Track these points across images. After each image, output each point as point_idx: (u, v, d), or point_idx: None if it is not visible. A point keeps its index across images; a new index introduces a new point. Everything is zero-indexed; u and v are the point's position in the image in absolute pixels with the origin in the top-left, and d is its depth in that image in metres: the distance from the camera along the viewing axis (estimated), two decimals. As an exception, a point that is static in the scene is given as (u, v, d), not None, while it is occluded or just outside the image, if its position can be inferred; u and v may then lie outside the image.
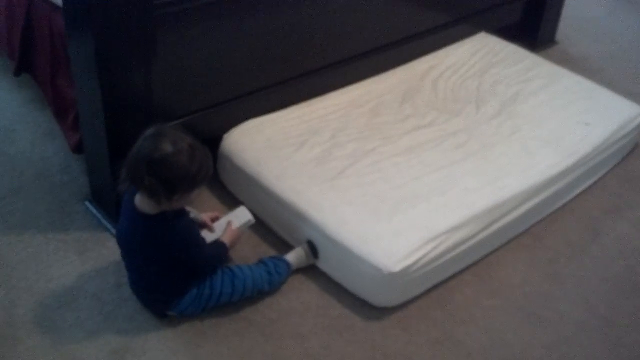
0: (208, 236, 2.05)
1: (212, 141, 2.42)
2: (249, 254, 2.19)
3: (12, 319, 1.96)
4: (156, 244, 1.85)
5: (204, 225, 2.09)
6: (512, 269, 2.26)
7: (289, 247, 2.19)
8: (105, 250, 2.19)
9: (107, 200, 2.27)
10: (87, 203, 2.35)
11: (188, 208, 1.97)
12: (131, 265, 1.98)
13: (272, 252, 2.20)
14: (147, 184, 1.75)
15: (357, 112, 2.60)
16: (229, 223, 2.10)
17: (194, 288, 1.95)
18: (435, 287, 2.16)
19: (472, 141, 2.49)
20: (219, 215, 2.15)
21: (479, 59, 3.01)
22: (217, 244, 2.03)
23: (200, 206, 2.34)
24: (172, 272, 1.91)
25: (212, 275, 1.98)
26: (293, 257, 2.13)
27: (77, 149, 2.38)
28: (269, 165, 2.29)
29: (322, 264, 2.15)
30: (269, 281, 2.05)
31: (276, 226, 2.28)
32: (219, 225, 2.11)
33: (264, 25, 2.33)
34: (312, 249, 2.14)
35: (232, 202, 2.35)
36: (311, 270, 2.17)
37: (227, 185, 2.42)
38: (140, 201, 1.84)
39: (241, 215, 2.16)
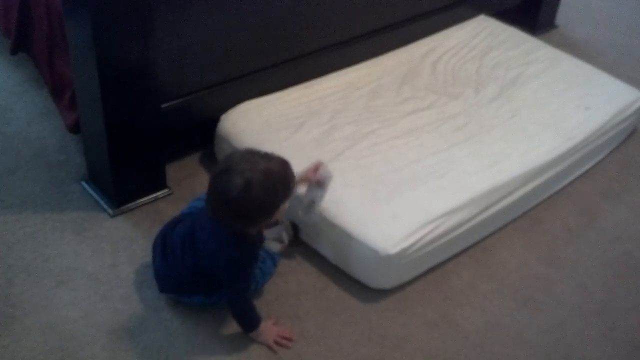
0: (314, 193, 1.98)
1: (210, 122, 2.41)
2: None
3: (8, 298, 1.96)
4: (213, 250, 1.81)
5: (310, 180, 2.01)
6: (509, 252, 2.27)
7: (286, 229, 2.19)
8: (102, 230, 2.18)
9: (103, 181, 2.26)
10: (83, 183, 2.34)
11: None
12: (173, 251, 1.91)
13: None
14: (229, 222, 1.74)
15: (356, 94, 2.59)
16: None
17: (199, 297, 1.94)
18: (433, 269, 2.16)
19: (471, 124, 2.49)
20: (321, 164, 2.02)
21: (478, 42, 2.99)
22: (255, 317, 1.89)
23: (199, 187, 2.33)
24: (205, 276, 1.87)
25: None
26: (276, 246, 2.11)
27: (74, 128, 2.37)
28: (267, 146, 2.24)
29: (320, 246, 2.15)
30: (262, 281, 2.03)
31: (274, 208, 2.27)
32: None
33: (263, 6, 2.31)
34: (295, 230, 2.15)
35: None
36: (308, 252, 2.17)
37: (225, 166, 2.41)
38: None
39: (325, 174, 2.03)
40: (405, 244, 2.00)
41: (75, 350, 1.85)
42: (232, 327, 1.94)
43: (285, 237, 2.14)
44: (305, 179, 2.00)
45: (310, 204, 2.03)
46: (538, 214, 2.42)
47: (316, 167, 2.00)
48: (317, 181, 2.00)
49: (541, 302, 2.11)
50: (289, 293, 2.06)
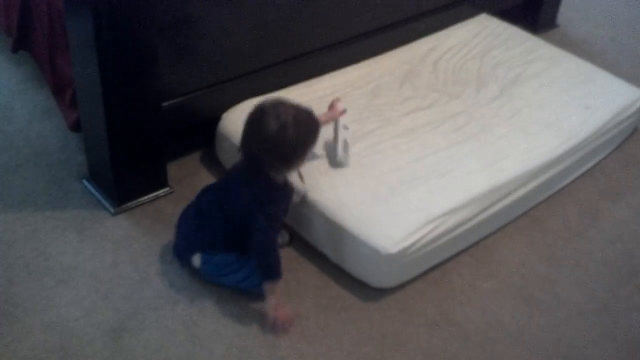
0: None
1: (211, 121, 2.41)
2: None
3: (9, 297, 1.96)
4: (245, 195, 1.93)
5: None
6: (510, 251, 2.27)
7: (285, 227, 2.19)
8: (103, 229, 2.18)
9: (104, 179, 2.26)
10: (84, 181, 2.34)
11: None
12: (206, 212, 2.01)
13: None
14: (262, 163, 1.88)
15: (356, 93, 2.59)
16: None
17: (233, 255, 1.97)
18: (433, 268, 2.16)
19: (472, 123, 2.48)
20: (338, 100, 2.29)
21: (480, 41, 2.99)
22: (279, 266, 1.93)
23: (200, 186, 2.34)
24: (238, 229, 1.94)
25: (251, 265, 1.97)
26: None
27: (75, 127, 2.37)
28: (268, 145, 2.27)
29: (320, 245, 2.15)
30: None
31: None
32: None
33: (264, 5, 2.31)
34: (290, 238, 2.20)
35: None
36: (309, 251, 2.17)
37: (225, 165, 2.41)
38: None
39: (342, 108, 2.28)
40: (406, 243, 2.00)
41: (76, 349, 1.85)
42: (232, 326, 1.94)
43: (282, 242, 2.16)
44: (329, 117, 2.22)
45: (345, 144, 2.21)
46: (539, 214, 2.42)
47: (333, 105, 2.26)
48: (341, 113, 2.24)
49: (542, 302, 2.11)
50: (290, 291, 2.06)
